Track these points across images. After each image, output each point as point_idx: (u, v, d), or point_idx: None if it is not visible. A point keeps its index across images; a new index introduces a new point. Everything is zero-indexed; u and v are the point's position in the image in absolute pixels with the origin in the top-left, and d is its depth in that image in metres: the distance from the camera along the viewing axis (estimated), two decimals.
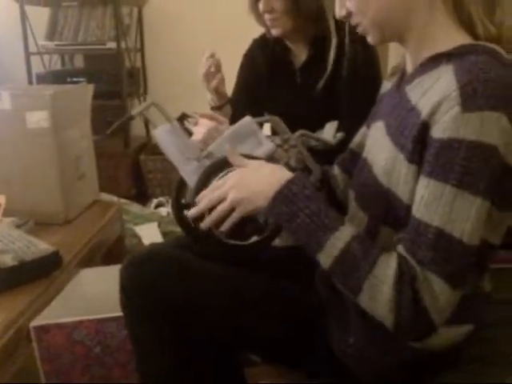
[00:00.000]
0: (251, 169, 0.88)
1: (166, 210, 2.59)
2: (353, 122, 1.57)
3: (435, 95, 0.73)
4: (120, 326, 1.19)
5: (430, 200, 0.71)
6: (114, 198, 2.08)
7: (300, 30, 1.57)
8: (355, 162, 0.99)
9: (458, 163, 0.69)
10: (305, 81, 1.64)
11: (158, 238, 2.05)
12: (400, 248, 0.74)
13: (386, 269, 0.72)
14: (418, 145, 0.74)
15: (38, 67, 3.10)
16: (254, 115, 1.74)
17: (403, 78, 0.88)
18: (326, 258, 0.76)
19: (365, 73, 1.55)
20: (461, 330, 0.84)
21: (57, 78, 3.01)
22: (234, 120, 1.62)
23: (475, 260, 0.73)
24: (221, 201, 0.86)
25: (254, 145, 1.04)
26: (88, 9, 3.01)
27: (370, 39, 0.86)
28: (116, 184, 2.81)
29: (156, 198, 2.77)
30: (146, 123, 3.35)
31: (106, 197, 2.02)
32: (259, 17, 1.60)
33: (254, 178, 0.85)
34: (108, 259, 1.72)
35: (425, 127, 0.73)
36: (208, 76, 1.57)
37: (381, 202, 0.81)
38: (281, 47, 1.66)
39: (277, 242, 0.98)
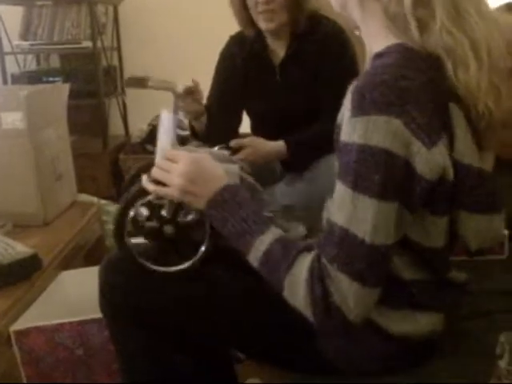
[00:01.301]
0: (199, 164, 0.90)
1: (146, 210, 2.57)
2: (333, 115, 1.59)
3: (346, 98, 0.76)
4: (102, 328, 1.18)
5: (337, 201, 0.75)
6: (94, 199, 2.06)
7: (288, 25, 1.58)
8: None
9: (352, 167, 0.72)
10: (284, 77, 1.64)
11: (139, 238, 2.03)
12: (315, 246, 0.78)
13: (302, 267, 0.75)
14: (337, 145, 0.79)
15: (12, 67, 3.06)
16: (231, 114, 1.76)
17: None
18: (253, 259, 0.81)
19: (345, 68, 1.57)
20: (433, 318, 0.85)
21: (32, 78, 2.96)
22: (210, 121, 1.62)
23: (386, 259, 0.75)
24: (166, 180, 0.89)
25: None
26: (63, 7, 2.97)
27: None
28: (95, 184, 2.78)
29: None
30: (125, 122, 3.32)
31: (85, 197, 2.00)
32: (243, 11, 1.58)
33: (201, 175, 0.88)
34: (89, 260, 1.71)
35: (338, 129, 0.78)
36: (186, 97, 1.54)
37: None
38: (259, 44, 1.65)
39: None
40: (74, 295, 1.36)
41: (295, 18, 1.56)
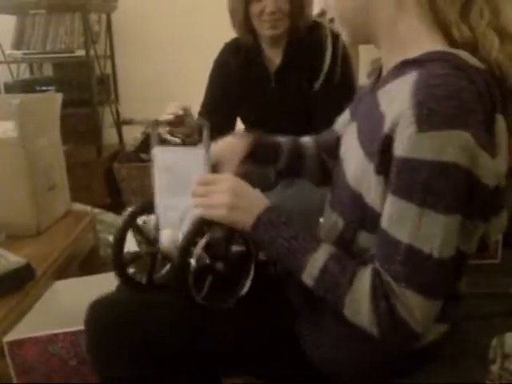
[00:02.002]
0: (239, 180, 0.89)
1: (142, 219, 2.56)
2: (328, 122, 1.59)
3: (396, 108, 0.72)
4: None
5: (397, 217, 0.72)
6: (87, 208, 2.05)
7: (287, 33, 1.58)
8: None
9: (420, 183, 0.70)
10: (280, 84, 1.65)
11: (133, 247, 2.02)
12: (373, 263, 0.75)
13: (363, 284, 0.74)
14: (384, 157, 0.74)
15: (5, 76, 3.05)
16: (226, 121, 1.75)
17: (378, 81, 0.87)
18: (307, 278, 0.79)
19: (339, 82, 1.57)
20: (438, 328, 0.85)
21: (25, 87, 2.95)
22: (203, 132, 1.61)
23: (451, 270, 0.74)
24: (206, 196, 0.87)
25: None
26: (56, 16, 2.97)
27: (343, 37, 0.87)
28: (90, 193, 2.76)
29: (131, 205, 2.73)
30: (119, 130, 3.31)
31: (78, 207, 1.99)
32: (245, 19, 1.58)
33: (245, 190, 0.87)
34: (83, 270, 1.70)
35: (388, 141, 0.73)
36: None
37: (356, 208, 0.82)
38: (255, 51, 1.65)
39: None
40: (68, 305, 1.34)
41: (296, 25, 1.57)
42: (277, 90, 1.66)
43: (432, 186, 0.69)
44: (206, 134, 0.93)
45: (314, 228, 0.97)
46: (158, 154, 0.96)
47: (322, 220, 0.97)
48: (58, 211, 1.73)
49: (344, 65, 1.60)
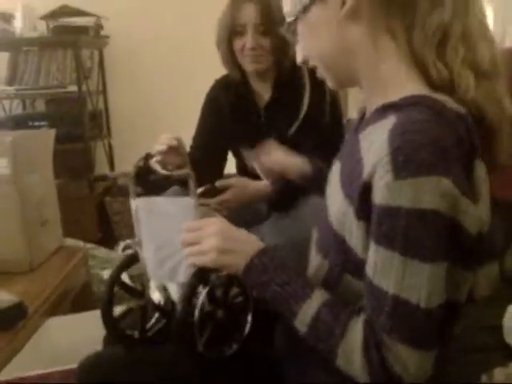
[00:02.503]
0: (227, 222, 0.87)
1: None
2: (317, 157, 1.61)
3: (373, 155, 0.71)
4: None
5: (381, 267, 0.70)
6: (80, 243, 2.04)
7: (273, 69, 1.61)
8: None
9: (400, 232, 0.68)
10: (269, 120, 1.67)
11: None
12: (363, 314, 0.74)
13: (355, 335, 0.72)
14: (364, 203, 0.73)
15: None
16: (217, 155, 1.77)
17: (361, 122, 0.87)
18: (300, 325, 0.77)
19: (326, 117, 1.60)
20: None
21: (18, 122, 2.96)
22: (195, 165, 1.62)
23: (441, 319, 0.72)
24: (195, 243, 0.84)
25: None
26: (48, 52, 3.00)
27: (328, 83, 0.87)
28: (81, 228, 2.75)
29: (123, 240, 2.72)
30: (111, 164, 3.32)
31: (71, 242, 1.98)
32: (230, 54, 1.61)
33: (235, 232, 0.85)
34: (75, 306, 1.68)
35: (367, 188, 0.72)
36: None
37: (339, 252, 0.80)
38: (244, 87, 1.68)
39: None
40: (61, 343, 1.33)
41: (280, 62, 1.59)
42: (266, 125, 1.68)
43: (411, 234, 0.68)
44: (192, 183, 0.90)
45: (306, 262, 0.96)
46: (141, 206, 0.93)
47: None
48: (50, 247, 1.72)
49: (333, 105, 1.63)
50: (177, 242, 0.87)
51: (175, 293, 0.92)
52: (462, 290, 0.76)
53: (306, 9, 0.80)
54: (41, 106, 3.26)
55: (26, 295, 1.31)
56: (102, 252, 2.24)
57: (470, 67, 0.74)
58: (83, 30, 2.93)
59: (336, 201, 0.81)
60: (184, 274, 0.89)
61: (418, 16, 0.74)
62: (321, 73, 0.86)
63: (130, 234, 3.10)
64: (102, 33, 3.09)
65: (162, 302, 0.95)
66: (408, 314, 0.69)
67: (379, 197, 0.69)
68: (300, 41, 0.85)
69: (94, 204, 2.99)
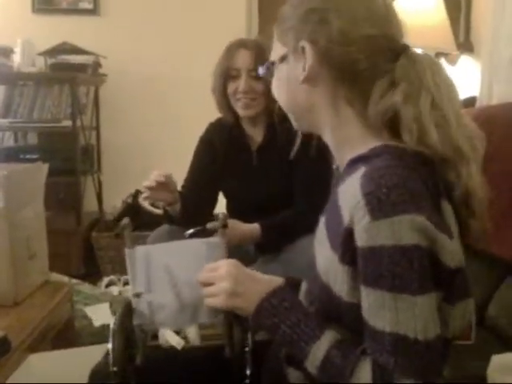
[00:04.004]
0: (241, 266, 0.89)
1: (117, 289, 2.54)
2: (305, 204, 1.64)
3: (349, 202, 0.76)
4: None
5: (375, 308, 0.73)
6: (65, 278, 2.03)
7: (265, 113, 1.65)
8: None
9: (385, 269, 0.72)
10: (261, 162, 1.71)
11: (109, 319, 2.00)
12: (369, 357, 0.75)
13: (365, 377, 0.74)
14: (347, 248, 0.76)
15: None
16: (208, 196, 1.80)
17: (339, 179, 0.90)
18: (310, 366, 0.79)
19: (316, 166, 1.63)
20: None
21: (9, 154, 2.98)
22: (186, 205, 1.64)
23: (440, 349, 0.74)
24: (209, 283, 0.87)
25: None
26: (44, 87, 3.04)
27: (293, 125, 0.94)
28: (66, 262, 2.73)
29: (107, 275, 2.71)
30: (100, 199, 3.33)
31: (56, 277, 1.97)
32: (223, 97, 1.66)
33: (246, 276, 0.87)
34: (57, 342, 1.66)
35: (349, 233, 0.76)
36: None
37: (324, 300, 0.83)
38: (237, 130, 1.73)
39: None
40: (44, 381, 1.31)
41: (272, 107, 1.64)
42: (258, 167, 1.72)
43: (397, 270, 0.71)
44: (220, 228, 0.93)
45: None
46: (154, 253, 0.92)
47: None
48: (36, 281, 1.71)
49: (322, 144, 1.66)
50: (197, 283, 0.88)
51: (194, 334, 0.92)
52: (449, 326, 0.79)
53: (280, 60, 0.88)
54: (33, 139, 3.29)
55: (10, 330, 1.30)
56: (86, 287, 2.24)
57: (423, 143, 0.78)
58: (81, 67, 2.98)
59: (322, 252, 0.84)
60: (206, 314, 0.90)
61: (373, 94, 0.81)
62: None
63: (115, 270, 3.08)
64: (100, 71, 3.14)
65: (180, 345, 0.94)
66: (408, 348, 0.71)
67: (360, 240, 0.73)
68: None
69: (80, 238, 2.98)
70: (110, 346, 0.88)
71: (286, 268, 1.59)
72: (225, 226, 0.95)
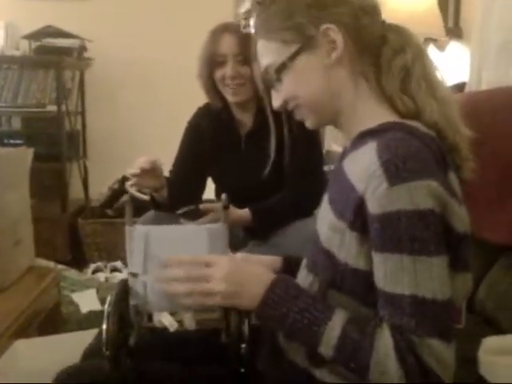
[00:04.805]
0: (238, 263, 0.88)
1: (104, 276, 2.52)
2: (295, 189, 1.64)
3: (364, 173, 0.78)
4: None
5: (393, 273, 0.75)
6: (51, 264, 2.01)
7: (254, 98, 1.64)
8: None
9: (403, 233, 0.74)
10: (249, 148, 1.70)
11: (96, 306, 1.98)
12: (386, 323, 0.76)
13: (385, 343, 0.74)
14: (358, 216, 0.79)
15: None
16: (196, 181, 1.79)
17: (343, 154, 0.94)
18: (325, 349, 0.78)
19: (306, 151, 1.63)
20: None
21: None
22: (173, 190, 1.63)
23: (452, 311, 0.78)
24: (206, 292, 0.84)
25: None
26: (29, 71, 2.99)
27: (307, 123, 0.93)
28: (52, 248, 2.71)
29: (94, 262, 2.69)
30: (85, 186, 3.30)
31: (42, 262, 1.95)
32: (211, 83, 1.64)
33: (244, 274, 0.85)
34: (44, 327, 1.65)
35: (361, 202, 0.78)
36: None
37: (327, 267, 0.84)
38: (226, 115, 1.71)
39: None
40: (30, 366, 1.30)
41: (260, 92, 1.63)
42: (246, 153, 1.71)
43: (415, 232, 0.74)
44: (224, 212, 0.90)
45: None
46: (154, 234, 0.89)
47: None
48: (21, 266, 1.69)
49: (312, 137, 1.66)
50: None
51: (189, 319, 0.90)
52: (456, 294, 0.81)
53: (293, 57, 0.87)
54: (17, 124, 3.23)
55: None
56: (72, 274, 2.21)
57: (431, 96, 0.86)
58: (67, 51, 2.94)
59: (325, 222, 0.86)
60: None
61: (384, 61, 0.87)
62: (302, 114, 0.92)
63: (101, 256, 3.05)
64: (85, 55, 3.10)
65: (173, 327, 0.91)
66: (428, 309, 0.74)
67: (377, 207, 0.76)
68: (284, 86, 0.89)
69: (65, 225, 2.95)
70: (104, 326, 0.86)
71: (277, 252, 1.58)
72: (226, 207, 0.93)
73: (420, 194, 0.74)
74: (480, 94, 1.80)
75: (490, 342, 1.01)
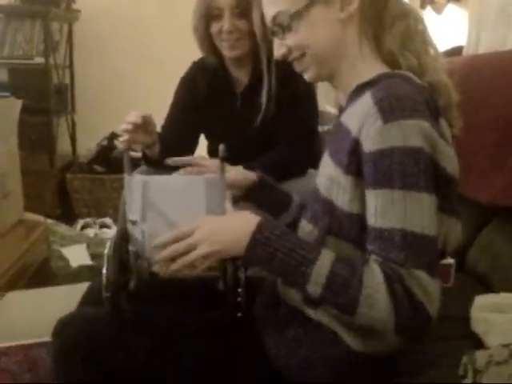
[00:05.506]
0: (216, 221, 0.88)
1: (93, 231, 2.51)
2: (289, 147, 1.62)
3: (359, 114, 0.82)
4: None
5: (384, 208, 0.77)
6: (40, 218, 1.99)
7: (251, 54, 1.60)
8: None
9: (395, 168, 0.77)
10: (245, 104, 1.67)
11: (86, 260, 1.98)
12: (375, 258, 0.78)
13: (375, 276, 0.75)
14: (353, 158, 0.82)
15: None
16: (189, 136, 1.76)
17: (340, 111, 0.95)
18: (314, 287, 0.78)
19: (300, 105, 1.61)
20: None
21: None
22: (165, 146, 1.60)
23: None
24: (187, 251, 0.85)
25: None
26: (15, 21, 2.90)
27: (307, 76, 0.93)
28: (40, 203, 2.68)
29: (82, 218, 2.68)
30: (73, 141, 3.25)
31: (31, 216, 1.93)
32: (207, 38, 1.60)
33: (224, 229, 0.85)
34: (34, 282, 1.64)
35: (356, 143, 0.81)
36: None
37: (325, 214, 0.87)
38: (222, 71, 1.67)
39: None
40: (21, 318, 1.29)
41: (258, 47, 1.59)
42: (242, 109, 1.68)
43: (407, 168, 0.76)
44: (221, 166, 0.90)
45: None
46: (153, 184, 0.89)
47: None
48: (10, 220, 1.68)
49: (308, 95, 1.64)
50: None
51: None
52: (442, 236, 0.84)
53: (308, 7, 0.87)
54: (3, 76, 3.15)
55: None
56: (62, 228, 2.20)
57: (432, 59, 0.90)
58: (54, 1, 2.85)
59: (325, 173, 0.89)
60: None
61: (386, 24, 0.90)
62: (304, 65, 0.92)
63: (90, 213, 3.02)
64: (74, 7, 3.00)
65: None
66: (417, 242, 0.76)
67: (371, 144, 0.79)
68: (294, 35, 0.89)
69: (54, 180, 2.92)
70: (103, 270, 0.87)
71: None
72: (223, 159, 0.92)
73: (412, 132, 0.77)
74: (479, 58, 1.79)
75: (483, 300, 1.03)
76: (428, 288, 0.74)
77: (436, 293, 0.76)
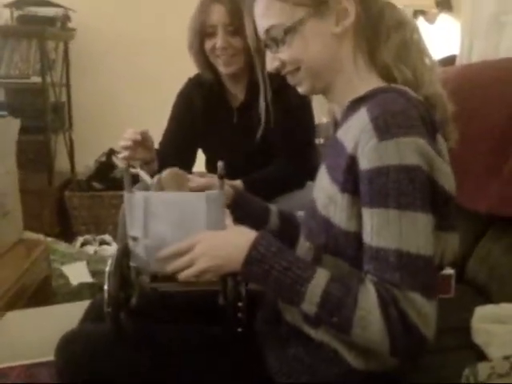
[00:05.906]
0: (214, 236, 0.89)
1: (93, 249, 2.51)
2: (286, 161, 1.63)
3: (354, 130, 0.81)
4: (52, 371, 1.13)
5: (379, 227, 0.76)
6: (40, 236, 1.99)
7: (246, 69, 1.61)
8: None
9: (391, 187, 0.76)
10: (241, 120, 1.68)
11: (86, 278, 1.97)
12: (370, 278, 0.77)
13: (369, 297, 0.75)
14: (349, 176, 0.81)
15: None
16: (187, 152, 1.77)
17: (336, 126, 0.95)
18: (309, 306, 0.78)
19: (300, 114, 1.61)
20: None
21: None
22: (163, 163, 1.60)
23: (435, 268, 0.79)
24: (188, 266, 0.86)
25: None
26: (12, 41, 2.91)
27: (301, 89, 0.93)
28: (39, 222, 2.67)
29: (81, 235, 2.67)
30: (71, 158, 3.25)
31: (30, 235, 1.93)
32: (201, 54, 1.61)
33: (223, 244, 0.86)
34: (34, 301, 1.64)
35: (352, 160, 0.80)
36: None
37: (322, 232, 0.86)
38: (218, 87, 1.69)
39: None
40: (21, 337, 1.29)
41: (252, 63, 1.60)
42: (239, 124, 1.69)
43: (402, 187, 0.75)
44: (222, 181, 0.91)
45: None
46: (154, 199, 0.90)
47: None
48: (10, 239, 1.68)
49: (305, 102, 1.65)
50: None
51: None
52: (439, 253, 0.83)
53: (302, 21, 0.86)
54: (0, 96, 3.16)
55: None
56: (62, 246, 2.19)
57: (428, 71, 0.89)
58: (50, 20, 2.86)
59: (322, 190, 0.88)
60: None
61: (382, 33, 0.89)
62: (298, 78, 0.92)
63: (89, 230, 3.01)
64: (69, 25, 3.02)
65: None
66: (412, 263, 0.75)
67: (366, 162, 0.78)
68: (288, 49, 0.88)
69: (53, 198, 2.92)
70: (105, 287, 0.87)
71: None
72: (222, 176, 0.93)
73: (407, 150, 0.76)
74: (472, 67, 1.80)
75: (483, 311, 1.02)
76: (422, 310, 0.73)
77: (431, 314, 0.74)
